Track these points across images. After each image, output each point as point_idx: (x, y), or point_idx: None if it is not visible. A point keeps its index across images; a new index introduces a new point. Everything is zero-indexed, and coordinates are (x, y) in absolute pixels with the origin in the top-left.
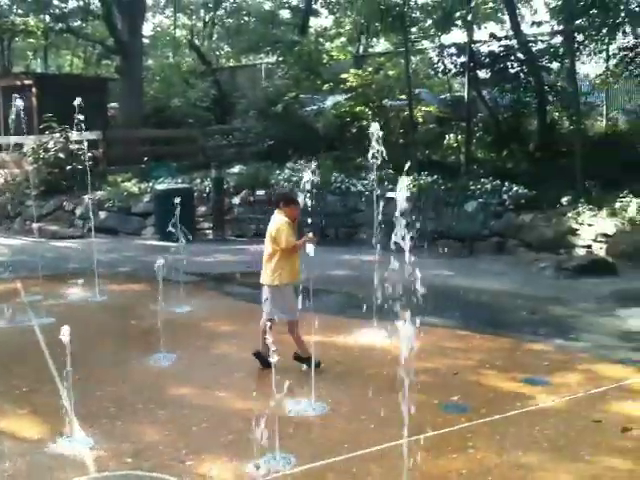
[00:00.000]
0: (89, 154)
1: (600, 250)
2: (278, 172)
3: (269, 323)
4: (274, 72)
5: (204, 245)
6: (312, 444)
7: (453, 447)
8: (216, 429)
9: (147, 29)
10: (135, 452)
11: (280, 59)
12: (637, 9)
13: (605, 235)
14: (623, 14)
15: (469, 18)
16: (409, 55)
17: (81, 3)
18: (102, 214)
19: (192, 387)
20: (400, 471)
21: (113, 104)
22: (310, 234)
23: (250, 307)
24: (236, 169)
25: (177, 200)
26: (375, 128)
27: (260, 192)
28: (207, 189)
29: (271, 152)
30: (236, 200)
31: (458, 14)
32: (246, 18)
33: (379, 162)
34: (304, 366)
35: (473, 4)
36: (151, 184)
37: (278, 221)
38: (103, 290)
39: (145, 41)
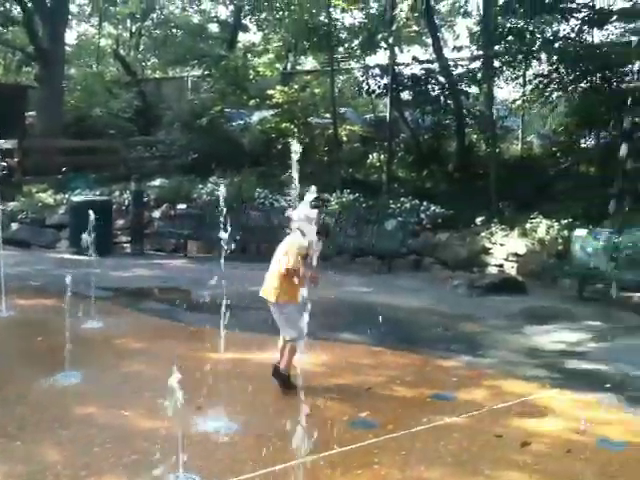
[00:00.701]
0: (3, 163)
1: (511, 269)
2: (201, 186)
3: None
4: (200, 85)
5: (121, 259)
6: (217, 463)
7: (359, 463)
8: (120, 449)
9: (71, 37)
10: (30, 474)
11: (206, 73)
12: (551, 38)
13: (516, 255)
14: (538, 43)
15: (390, 41)
16: (334, 74)
17: (1, 8)
18: (14, 225)
19: (98, 406)
20: None
21: (32, 112)
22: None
23: (164, 324)
24: (157, 182)
25: (92, 212)
26: (295, 146)
27: (182, 206)
28: (126, 202)
29: (195, 166)
30: (156, 214)
31: (380, 36)
32: (174, 30)
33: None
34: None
35: (394, 27)
36: (67, 195)
37: (294, 242)
38: (10, 305)
39: (68, 49)
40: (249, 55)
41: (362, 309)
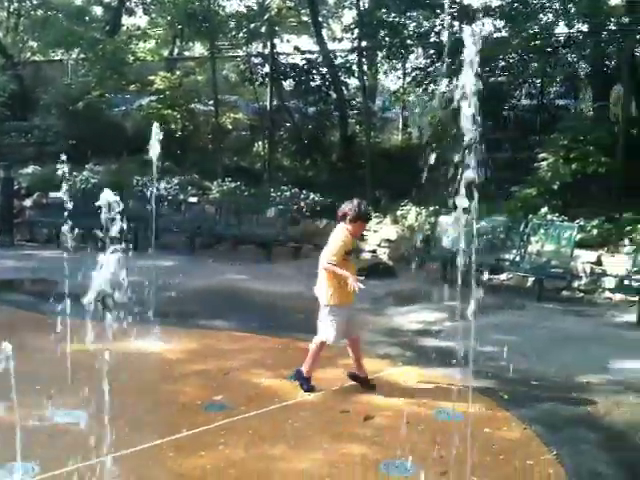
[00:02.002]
0: None
1: (384, 254)
2: (76, 174)
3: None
4: (79, 69)
5: None
6: (61, 451)
7: (205, 445)
8: None
9: None
10: None
11: (82, 56)
12: (423, 32)
13: (388, 240)
14: (412, 37)
15: (263, 29)
16: (218, 61)
17: None
18: None
19: None
20: (145, 472)
21: None
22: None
23: (32, 317)
24: (30, 169)
25: None
26: (156, 130)
27: (55, 194)
28: None
29: (72, 152)
30: (28, 203)
31: (259, 24)
32: (54, 12)
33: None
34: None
35: (267, 16)
36: None
37: (336, 236)
38: None
39: None
40: (133, 39)
41: (235, 296)
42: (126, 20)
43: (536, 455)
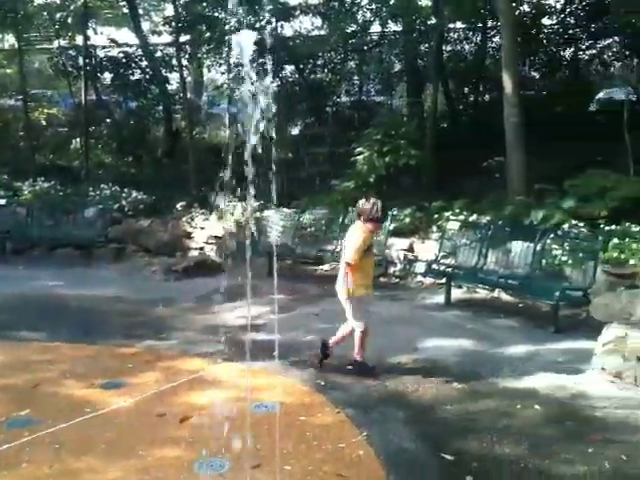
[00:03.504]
0: None
1: (211, 251)
2: None
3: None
4: None
5: None
6: None
7: (6, 464)
8: None
9: None
10: None
11: None
12: (242, 28)
13: (215, 237)
14: (232, 33)
15: (71, 21)
16: (25, 54)
17: None
18: None
19: None
20: None
21: None
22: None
23: None
24: None
25: None
26: None
27: None
28: None
29: None
30: None
31: (66, 14)
32: None
33: None
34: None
35: (73, 7)
36: None
37: (355, 234)
38: None
39: None
40: None
41: (47, 304)
42: None
43: (348, 438)
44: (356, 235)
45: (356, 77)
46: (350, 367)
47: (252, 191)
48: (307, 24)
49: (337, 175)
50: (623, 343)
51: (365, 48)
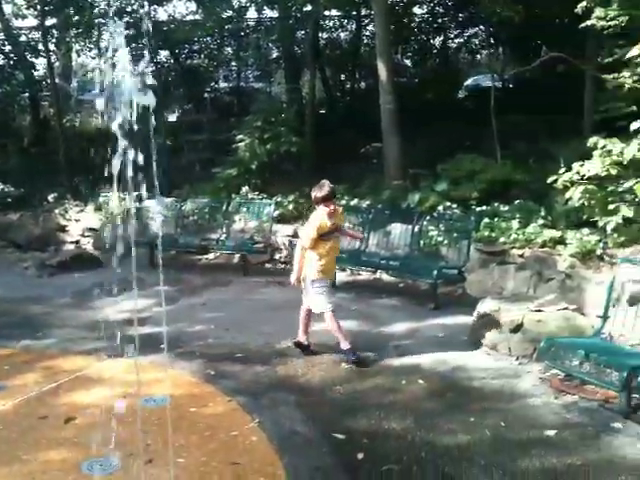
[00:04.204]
0: None
1: (87, 244)
2: None
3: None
4: None
5: None
6: None
7: None
8: None
9: None
10: None
11: None
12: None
13: (91, 229)
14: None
15: None
16: None
17: None
18: None
19: None
20: None
21: None
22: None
23: None
24: None
25: None
26: None
27: None
28: None
29: None
30: None
31: None
32: None
33: None
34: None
35: None
36: None
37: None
38: None
39: None
40: None
41: None
42: None
43: (240, 425)
44: (310, 220)
45: (234, 63)
46: (349, 360)
47: (130, 180)
48: (182, 8)
49: (218, 163)
50: (497, 316)
51: (242, 34)
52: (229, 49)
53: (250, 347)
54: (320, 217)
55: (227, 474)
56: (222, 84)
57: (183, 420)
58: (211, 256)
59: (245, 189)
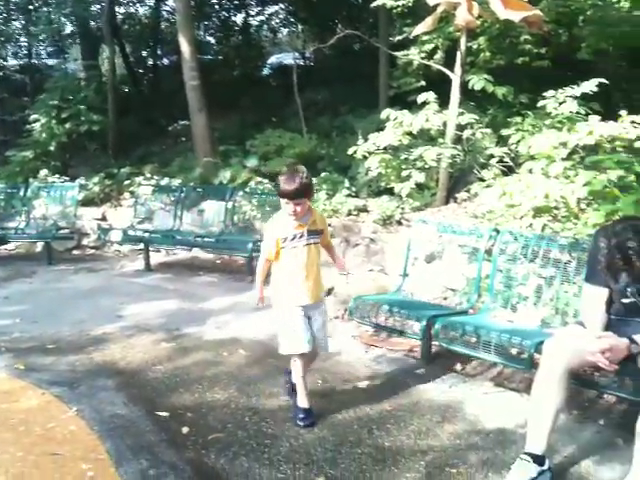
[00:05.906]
0: None
1: None
2: None
3: None
4: None
5: None
6: None
7: None
8: None
9: None
10: None
11: None
12: None
13: None
14: None
15: None
16: None
17: None
18: None
19: None
20: None
21: None
22: None
23: None
24: None
25: None
26: None
27: None
28: None
29: None
30: None
31: None
32: None
33: None
34: None
35: None
36: None
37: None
38: None
39: None
40: None
41: None
42: None
43: (57, 416)
44: (269, 221)
45: (23, 39)
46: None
47: None
48: None
49: (12, 145)
50: None
51: (31, 7)
52: (17, 23)
53: (62, 337)
54: (278, 220)
55: (47, 465)
56: (11, 61)
57: None
58: (11, 246)
59: (44, 172)
